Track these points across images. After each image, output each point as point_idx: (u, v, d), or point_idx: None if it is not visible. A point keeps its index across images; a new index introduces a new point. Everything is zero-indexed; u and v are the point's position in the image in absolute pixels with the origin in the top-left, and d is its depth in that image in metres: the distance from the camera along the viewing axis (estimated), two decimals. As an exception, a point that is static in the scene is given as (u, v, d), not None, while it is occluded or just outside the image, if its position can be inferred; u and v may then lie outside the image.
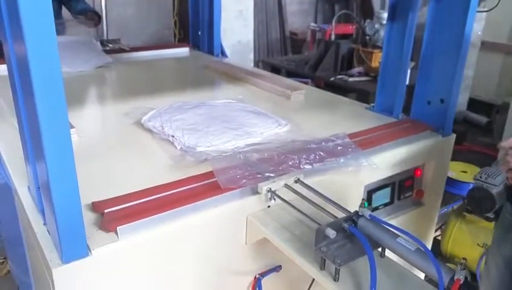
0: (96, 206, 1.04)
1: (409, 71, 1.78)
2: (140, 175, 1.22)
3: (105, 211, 1.02)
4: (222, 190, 1.11)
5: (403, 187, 1.58)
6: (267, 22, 5.01)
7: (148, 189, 1.10)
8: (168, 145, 1.40)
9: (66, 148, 0.83)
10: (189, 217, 1.06)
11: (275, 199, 1.13)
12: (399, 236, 0.92)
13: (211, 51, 2.70)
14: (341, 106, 1.94)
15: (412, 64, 2.35)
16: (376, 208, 1.53)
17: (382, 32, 3.48)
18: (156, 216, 1.02)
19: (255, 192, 1.14)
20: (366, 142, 1.45)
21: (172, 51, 2.73)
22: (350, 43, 3.84)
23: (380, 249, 0.98)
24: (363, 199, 1.37)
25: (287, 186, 1.14)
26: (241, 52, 4.19)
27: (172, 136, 1.42)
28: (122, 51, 2.62)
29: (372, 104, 1.86)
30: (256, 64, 4.71)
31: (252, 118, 1.60)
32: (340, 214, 1.05)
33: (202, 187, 1.13)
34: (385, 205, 1.56)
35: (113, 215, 1.01)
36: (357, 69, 3.74)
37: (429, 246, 1.84)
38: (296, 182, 1.16)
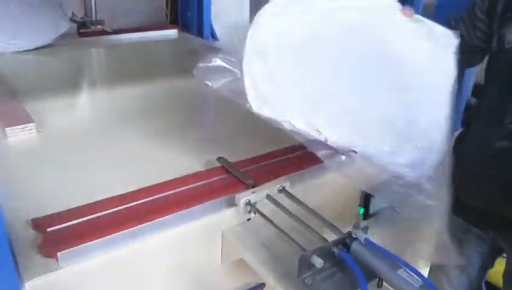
0: (36, 225, 0.86)
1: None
2: (108, 183, 1.03)
3: (48, 230, 0.85)
4: (192, 202, 0.94)
5: (405, 189, 1.41)
6: (263, 2, 4.77)
7: (102, 201, 0.93)
8: (155, 147, 1.21)
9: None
10: (150, 237, 0.88)
11: (255, 213, 0.96)
12: (400, 267, 0.74)
13: (200, 34, 2.50)
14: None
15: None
16: (374, 214, 1.36)
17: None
18: (111, 237, 0.84)
19: (232, 204, 0.96)
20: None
21: (159, 33, 2.53)
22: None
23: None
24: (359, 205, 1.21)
25: (269, 197, 0.97)
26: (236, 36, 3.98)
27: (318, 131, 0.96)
28: (104, 33, 2.42)
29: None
30: (254, 47, 4.50)
31: None
32: (330, 233, 0.88)
33: (166, 198, 0.96)
34: (384, 209, 1.38)
35: (54, 236, 0.83)
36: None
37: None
38: (280, 191, 0.99)
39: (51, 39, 2.10)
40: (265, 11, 0.94)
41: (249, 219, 0.99)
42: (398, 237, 1.18)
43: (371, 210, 1.33)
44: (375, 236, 1.20)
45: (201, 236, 0.96)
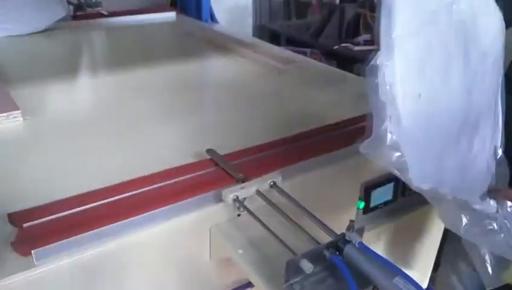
0: (13, 219, 0.82)
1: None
2: (93, 176, 0.98)
3: (24, 225, 0.80)
4: (178, 197, 0.89)
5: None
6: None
7: (83, 195, 0.88)
8: (146, 136, 1.15)
9: None
10: (134, 233, 0.83)
11: (243, 210, 0.91)
12: (396, 275, 0.69)
13: (199, 16, 2.43)
14: (343, 83, 1.68)
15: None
16: (375, 207, 1.31)
17: (392, -4, 3.15)
18: (91, 233, 0.80)
19: (220, 199, 0.91)
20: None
21: (157, 16, 2.45)
22: (356, 8, 3.51)
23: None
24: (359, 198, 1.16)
25: (259, 193, 0.91)
26: (238, 17, 3.88)
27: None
28: (100, 16, 2.35)
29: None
30: (257, 30, 4.39)
31: None
32: (323, 233, 0.82)
33: (152, 193, 0.91)
34: (386, 203, 1.33)
35: (31, 232, 0.79)
36: (363, 37, 3.43)
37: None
38: (271, 187, 0.93)
39: (46, 25, 2.03)
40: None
41: (239, 215, 0.94)
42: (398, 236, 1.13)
43: (372, 204, 1.28)
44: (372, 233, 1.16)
45: (188, 233, 0.91)
